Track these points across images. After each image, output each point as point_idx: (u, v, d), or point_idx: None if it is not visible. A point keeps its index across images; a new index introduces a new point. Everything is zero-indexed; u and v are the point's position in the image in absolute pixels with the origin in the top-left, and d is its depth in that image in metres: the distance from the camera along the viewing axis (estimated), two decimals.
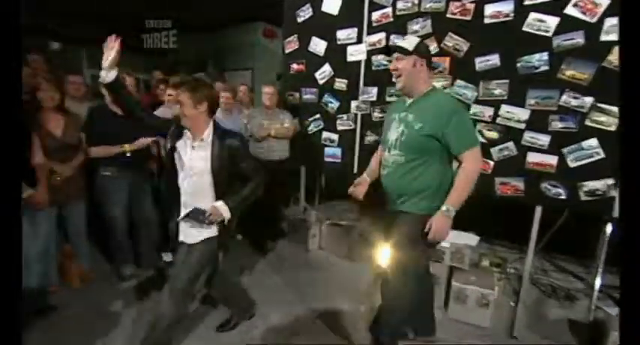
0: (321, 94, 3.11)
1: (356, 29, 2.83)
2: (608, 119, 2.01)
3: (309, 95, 3.19)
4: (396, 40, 1.79)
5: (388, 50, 1.79)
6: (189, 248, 1.73)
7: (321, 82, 3.09)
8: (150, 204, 2.66)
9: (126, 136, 2.40)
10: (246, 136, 3.08)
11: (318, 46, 3.05)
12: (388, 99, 2.73)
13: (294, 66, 3.23)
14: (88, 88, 3.08)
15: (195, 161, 1.67)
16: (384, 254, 2.56)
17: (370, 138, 2.90)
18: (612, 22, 1.95)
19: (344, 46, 2.90)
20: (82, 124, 2.38)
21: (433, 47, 2.49)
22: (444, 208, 1.56)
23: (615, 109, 1.98)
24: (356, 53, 2.86)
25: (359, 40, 2.83)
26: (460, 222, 2.49)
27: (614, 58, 1.96)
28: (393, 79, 1.72)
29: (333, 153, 3.13)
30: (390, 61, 1.82)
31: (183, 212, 1.73)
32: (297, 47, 3.18)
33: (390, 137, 1.74)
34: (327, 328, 2.14)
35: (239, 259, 2.92)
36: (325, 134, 3.15)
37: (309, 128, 3.22)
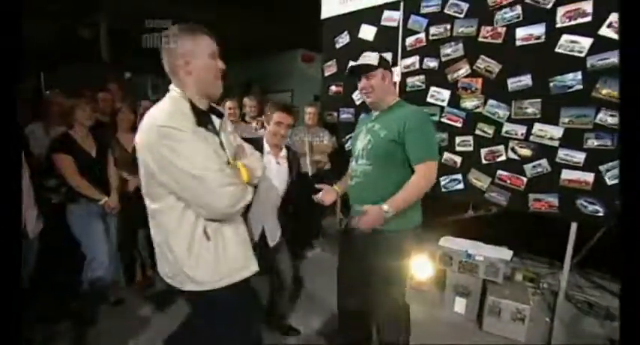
0: (358, 114, 3.32)
1: (390, 54, 3.03)
2: None
3: (346, 115, 3.41)
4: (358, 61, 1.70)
5: (352, 72, 1.73)
6: (278, 248, 2.01)
7: (357, 102, 3.30)
8: None
9: None
10: None
11: None
12: None
13: (333, 88, 3.48)
14: None
15: (280, 174, 1.96)
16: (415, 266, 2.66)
17: None
18: None
19: None
20: None
21: (465, 69, 2.63)
22: (385, 206, 1.52)
23: None
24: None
25: (394, 64, 3.02)
26: (494, 236, 2.57)
27: None
28: (364, 98, 1.72)
29: None
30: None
31: (257, 225, 1.88)
32: (335, 71, 3.44)
33: (357, 148, 1.74)
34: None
35: None
36: None
37: (347, 145, 3.43)
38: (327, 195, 1.81)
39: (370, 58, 1.65)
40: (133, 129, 2.68)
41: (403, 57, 2.96)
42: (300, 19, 4.63)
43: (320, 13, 3.53)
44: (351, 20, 3.28)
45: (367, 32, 3.18)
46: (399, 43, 2.98)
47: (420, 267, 2.61)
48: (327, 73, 3.51)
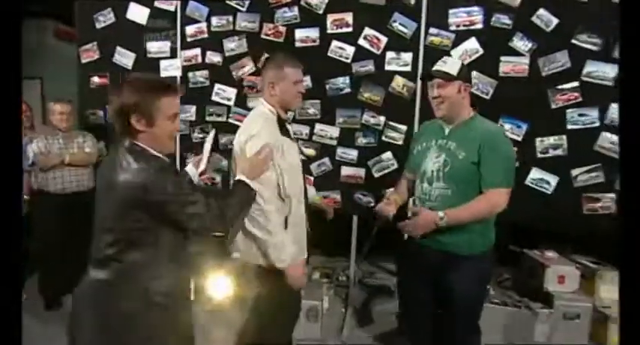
0: None
1: (168, 43, 2.58)
2: (398, 135, 2.37)
3: None
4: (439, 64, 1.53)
5: (426, 76, 1.60)
6: None
7: None
8: None
9: None
10: (27, 165, 2.39)
11: (125, 57, 2.65)
12: (208, 119, 2.58)
13: (96, 79, 2.72)
14: None
15: None
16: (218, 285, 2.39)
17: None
18: (392, 55, 2.34)
19: (156, 60, 2.61)
20: None
21: (249, 66, 2.49)
22: (440, 213, 1.43)
23: (401, 126, 2.35)
24: (170, 68, 2.60)
25: (173, 55, 2.59)
26: None
27: (395, 84, 2.34)
28: (434, 108, 1.54)
29: None
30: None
31: None
32: (97, 57, 2.69)
33: (428, 168, 1.56)
34: None
35: None
36: None
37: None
38: (388, 206, 1.64)
39: (448, 64, 1.50)
40: None
41: (183, 48, 2.57)
42: None
43: None
44: None
45: (137, 13, 2.61)
46: (177, 32, 2.57)
47: (216, 286, 2.33)
48: (85, 60, 2.71)
